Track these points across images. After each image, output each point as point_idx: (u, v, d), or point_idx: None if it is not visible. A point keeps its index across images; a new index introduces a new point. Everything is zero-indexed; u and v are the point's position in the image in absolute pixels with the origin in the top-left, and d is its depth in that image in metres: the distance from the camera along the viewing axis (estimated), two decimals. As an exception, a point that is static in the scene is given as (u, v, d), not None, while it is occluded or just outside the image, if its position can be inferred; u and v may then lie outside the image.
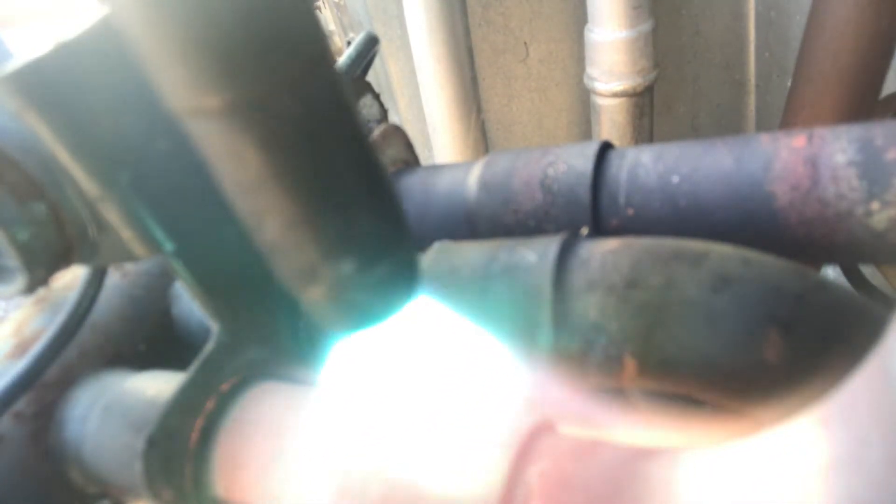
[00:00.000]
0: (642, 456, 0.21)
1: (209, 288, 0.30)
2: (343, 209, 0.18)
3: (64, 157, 0.25)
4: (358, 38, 0.54)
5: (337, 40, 1.70)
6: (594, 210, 0.36)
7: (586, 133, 1.05)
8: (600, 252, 0.29)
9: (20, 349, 0.36)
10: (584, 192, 0.36)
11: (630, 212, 0.35)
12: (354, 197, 0.19)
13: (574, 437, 0.23)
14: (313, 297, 0.20)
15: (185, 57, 0.15)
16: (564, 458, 0.22)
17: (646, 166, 0.35)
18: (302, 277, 0.20)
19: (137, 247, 0.27)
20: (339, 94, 0.18)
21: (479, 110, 0.99)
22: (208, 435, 0.30)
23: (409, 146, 0.48)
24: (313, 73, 0.17)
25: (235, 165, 0.17)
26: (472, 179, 0.40)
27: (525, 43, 0.97)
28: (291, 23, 0.16)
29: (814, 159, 0.30)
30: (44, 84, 0.24)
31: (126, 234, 0.27)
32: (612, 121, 0.89)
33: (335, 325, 0.22)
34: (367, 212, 0.19)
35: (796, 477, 0.16)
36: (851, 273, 0.69)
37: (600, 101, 0.89)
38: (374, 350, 0.26)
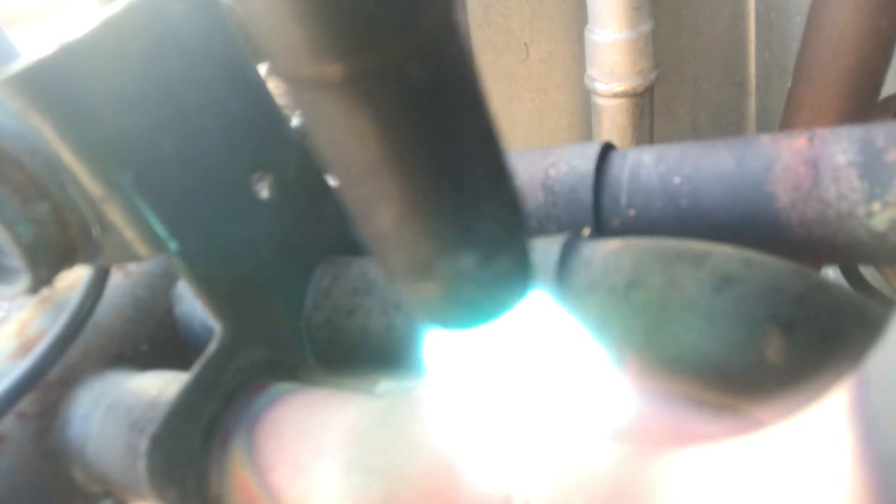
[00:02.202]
0: (646, 455, 0.21)
1: (212, 288, 0.31)
2: (468, 196, 0.16)
3: (67, 157, 0.25)
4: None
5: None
6: (596, 211, 0.36)
7: (587, 134, 1.05)
8: (602, 252, 0.29)
9: (23, 349, 0.36)
10: (586, 193, 0.36)
11: (632, 212, 0.35)
12: (480, 182, 0.17)
13: (577, 437, 0.23)
14: (425, 292, 0.18)
15: (302, 15, 0.13)
16: (570, 460, 0.22)
17: (647, 167, 0.35)
18: (414, 271, 0.18)
19: (140, 247, 0.27)
20: (470, 64, 0.16)
21: (479, 111, 0.99)
22: (211, 435, 0.30)
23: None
24: (447, 38, 0.14)
25: (353, 145, 0.15)
26: (474, 180, 0.40)
27: (525, 44, 0.97)
28: None
29: (815, 160, 0.30)
30: (47, 84, 0.24)
31: (129, 234, 0.27)
32: (612, 121, 0.89)
33: (446, 323, 0.20)
34: (492, 199, 0.17)
35: (803, 474, 0.16)
36: (851, 274, 0.69)
37: (601, 101, 0.89)
38: (472, 344, 0.23)
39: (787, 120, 0.73)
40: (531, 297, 0.21)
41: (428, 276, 0.18)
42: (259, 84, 0.38)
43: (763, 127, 1.04)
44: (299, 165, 0.39)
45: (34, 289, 0.28)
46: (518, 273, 0.19)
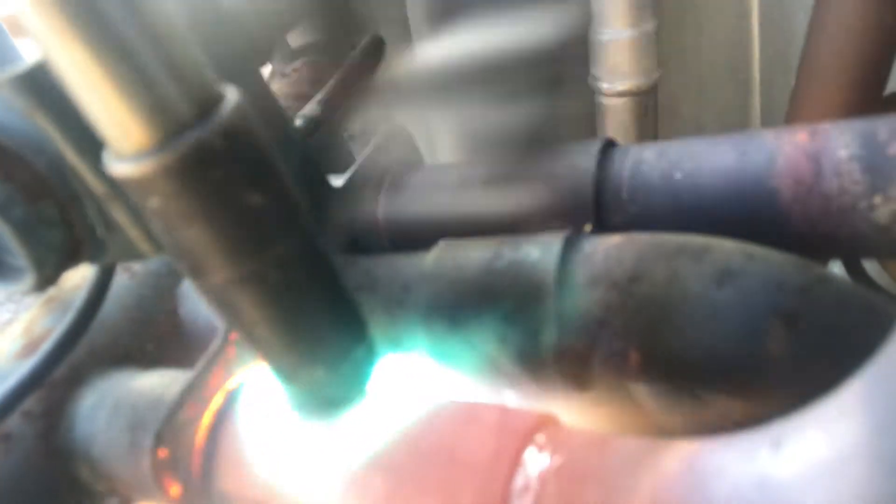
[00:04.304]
0: (657, 449, 0.21)
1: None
2: (313, 335, 0.24)
3: (72, 156, 0.25)
4: (363, 42, 0.54)
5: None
6: (597, 207, 0.36)
7: (590, 133, 1.05)
8: (604, 248, 0.30)
9: (29, 349, 0.37)
10: (588, 189, 0.36)
11: (633, 208, 0.35)
12: (323, 324, 0.25)
13: (586, 430, 0.23)
14: (295, 390, 0.26)
15: (198, 248, 0.20)
16: (579, 451, 0.22)
17: (649, 163, 0.35)
18: (286, 378, 0.26)
19: (145, 245, 0.28)
20: (315, 256, 0.23)
21: (483, 112, 0.99)
22: (216, 431, 0.30)
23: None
24: (291, 251, 0.22)
25: (236, 313, 0.23)
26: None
27: (529, 44, 0.97)
28: (278, 215, 0.21)
29: (817, 154, 0.30)
30: (53, 84, 0.24)
31: (133, 232, 0.27)
32: (616, 120, 0.89)
33: (311, 414, 0.27)
34: (332, 331, 0.25)
35: (812, 467, 0.16)
36: (854, 269, 0.68)
37: (604, 100, 0.89)
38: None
39: (791, 117, 0.73)
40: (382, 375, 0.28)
41: (295, 381, 0.26)
42: (261, 85, 0.38)
43: (767, 125, 1.04)
44: (302, 165, 0.39)
45: (40, 287, 0.28)
46: (360, 371, 0.26)
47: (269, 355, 0.25)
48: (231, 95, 0.20)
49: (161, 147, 0.18)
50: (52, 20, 0.16)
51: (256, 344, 0.24)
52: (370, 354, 0.27)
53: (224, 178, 0.19)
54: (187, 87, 0.19)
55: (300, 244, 0.22)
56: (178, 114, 0.18)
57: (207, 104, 0.19)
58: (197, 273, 0.21)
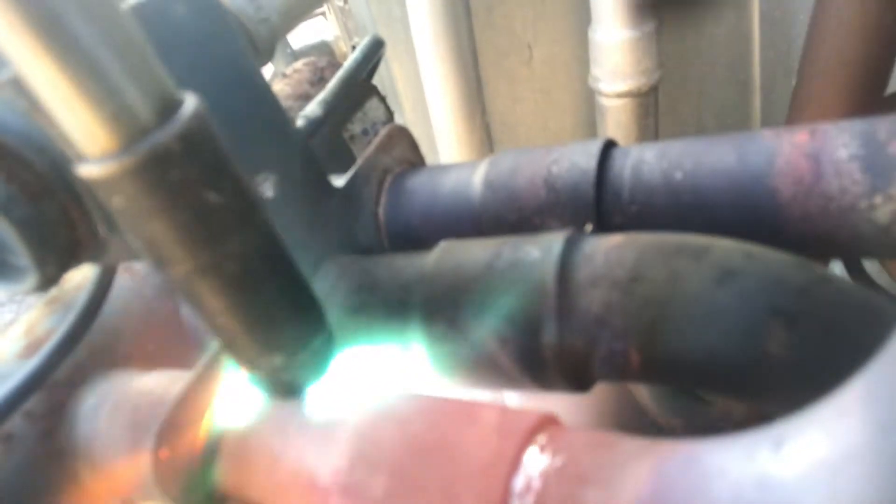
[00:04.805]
0: (657, 449, 0.21)
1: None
2: (271, 324, 0.26)
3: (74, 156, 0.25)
4: (363, 42, 0.54)
5: (342, 44, 1.71)
6: (598, 207, 0.36)
7: (591, 134, 1.05)
8: (604, 247, 0.30)
9: (31, 349, 0.37)
10: (588, 189, 0.36)
11: (634, 208, 0.35)
12: (281, 313, 0.26)
13: (587, 431, 0.23)
14: (256, 377, 0.28)
15: (160, 242, 0.22)
16: (580, 452, 0.22)
17: (649, 163, 0.35)
18: (247, 366, 0.28)
19: (146, 245, 0.28)
20: (271, 249, 0.25)
21: (483, 112, 0.99)
22: (216, 431, 0.30)
23: (414, 147, 0.48)
24: (249, 244, 0.24)
25: (198, 303, 0.25)
26: (477, 178, 0.40)
27: (529, 45, 0.97)
28: (233, 212, 0.23)
29: (816, 154, 0.30)
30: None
31: (135, 232, 0.27)
32: (617, 121, 0.89)
33: (272, 396, 0.29)
34: (290, 321, 0.27)
35: (813, 467, 0.16)
36: (854, 269, 0.69)
37: (605, 101, 0.89)
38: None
39: (792, 117, 0.73)
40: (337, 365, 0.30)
41: (255, 369, 0.28)
42: (263, 85, 0.38)
43: (767, 125, 1.04)
44: (303, 165, 0.39)
45: (41, 287, 0.28)
46: (317, 359, 0.29)
47: (230, 344, 0.26)
48: (189, 101, 0.22)
49: (124, 150, 0.20)
50: (21, 36, 0.18)
51: (218, 332, 0.26)
52: (328, 344, 0.29)
53: (182, 178, 0.21)
54: (148, 94, 0.20)
55: (255, 238, 0.24)
56: (140, 119, 0.20)
57: (167, 110, 0.21)
58: (160, 264, 0.23)
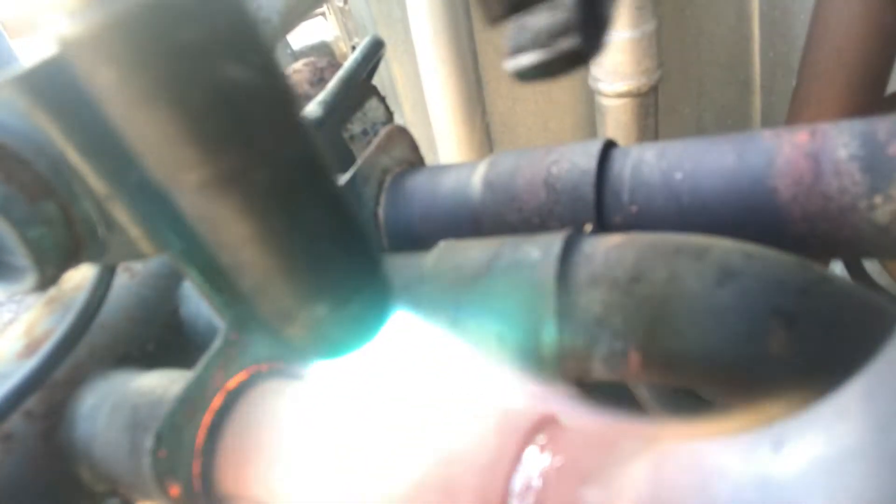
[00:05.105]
0: (657, 449, 0.21)
1: (217, 286, 0.31)
2: (315, 261, 0.20)
3: (73, 156, 0.25)
4: (363, 42, 0.54)
5: (342, 45, 1.71)
6: (598, 207, 0.36)
7: (591, 134, 1.05)
8: (604, 248, 0.30)
9: (31, 349, 0.37)
10: (588, 190, 0.36)
11: (633, 209, 0.35)
12: (325, 249, 0.20)
13: (587, 430, 0.23)
14: (291, 334, 0.22)
15: (165, 137, 0.16)
16: (580, 451, 0.22)
17: (649, 163, 0.35)
18: (280, 319, 0.21)
19: (145, 245, 0.28)
20: (311, 155, 0.19)
21: (483, 112, 0.99)
22: (216, 431, 0.30)
23: (414, 147, 0.48)
24: (285, 143, 0.18)
25: (216, 229, 0.18)
26: (477, 179, 0.40)
27: (529, 45, 0.97)
28: (264, 97, 0.17)
29: (816, 154, 0.30)
30: (54, 85, 0.24)
31: (134, 232, 0.27)
32: (616, 121, 0.89)
33: (311, 355, 0.23)
34: (339, 259, 0.20)
35: (813, 467, 0.16)
36: (854, 269, 0.68)
37: (605, 101, 0.89)
38: (362, 365, 0.26)
39: (792, 118, 0.73)
40: (393, 324, 0.24)
41: (291, 322, 0.21)
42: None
43: (767, 125, 1.04)
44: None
45: (41, 287, 0.28)
46: (371, 313, 0.22)
47: (259, 288, 0.20)
48: None
49: None
50: None
51: (244, 273, 0.20)
52: (385, 296, 0.22)
53: (195, 41, 0.15)
54: None
55: (294, 138, 0.18)
56: None
57: None
58: (168, 174, 0.17)
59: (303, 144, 0.19)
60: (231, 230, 0.18)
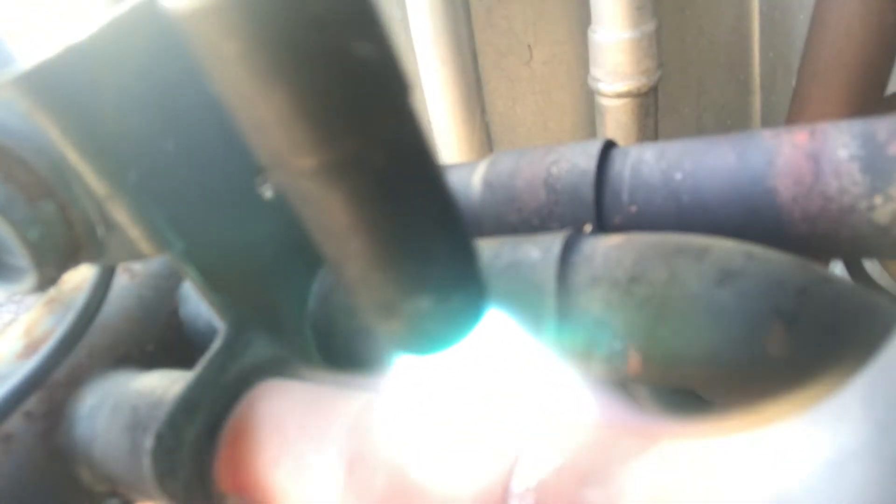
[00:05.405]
0: (658, 448, 0.21)
1: (217, 287, 0.31)
2: (422, 252, 0.19)
3: (73, 156, 0.25)
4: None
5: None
6: (597, 207, 0.36)
7: (591, 134, 1.05)
8: (604, 248, 0.30)
9: (30, 349, 0.37)
10: (588, 190, 0.36)
11: (633, 209, 0.35)
12: (433, 240, 0.20)
13: (587, 430, 0.23)
14: (392, 327, 0.21)
15: (283, 119, 0.16)
16: (580, 451, 0.22)
17: (649, 163, 0.35)
18: (382, 311, 0.21)
19: (145, 245, 0.28)
20: (422, 144, 0.18)
21: (483, 113, 0.99)
22: (216, 432, 0.30)
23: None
24: (401, 129, 0.17)
25: (326, 216, 0.18)
26: (477, 179, 0.40)
27: (529, 45, 0.97)
28: (387, 76, 0.16)
29: (816, 154, 0.30)
30: (53, 85, 0.24)
31: (134, 232, 0.27)
32: (616, 122, 0.89)
33: (410, 350, 0.23)
34: (444, 253, 0.20)
35: (813, 467, 0.16)
36: (854, 269, 0.69)
37: (605, 101, 0.89)
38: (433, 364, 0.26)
39: (792, 118, 0.73)
40: (488, 322, 0.24)
41: (393, 315, 0.21)
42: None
43: (767, 125, 1.04)
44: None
45: (40, 287, 0.28)
46: (470, 308, 0.22)
47: (362, 279, 0.20)
48: None
49: None
50: None
51: (348, 262, 0.19)
52: (482, 293, 0.22)
53: (325, 13, 0.15)
54: None
55: (410, 123, 0.17)
56: None
57: None
58: (282, 158, 0.17)
59: (417, 128, 0.18)
60: (341, 218, 0.18)
